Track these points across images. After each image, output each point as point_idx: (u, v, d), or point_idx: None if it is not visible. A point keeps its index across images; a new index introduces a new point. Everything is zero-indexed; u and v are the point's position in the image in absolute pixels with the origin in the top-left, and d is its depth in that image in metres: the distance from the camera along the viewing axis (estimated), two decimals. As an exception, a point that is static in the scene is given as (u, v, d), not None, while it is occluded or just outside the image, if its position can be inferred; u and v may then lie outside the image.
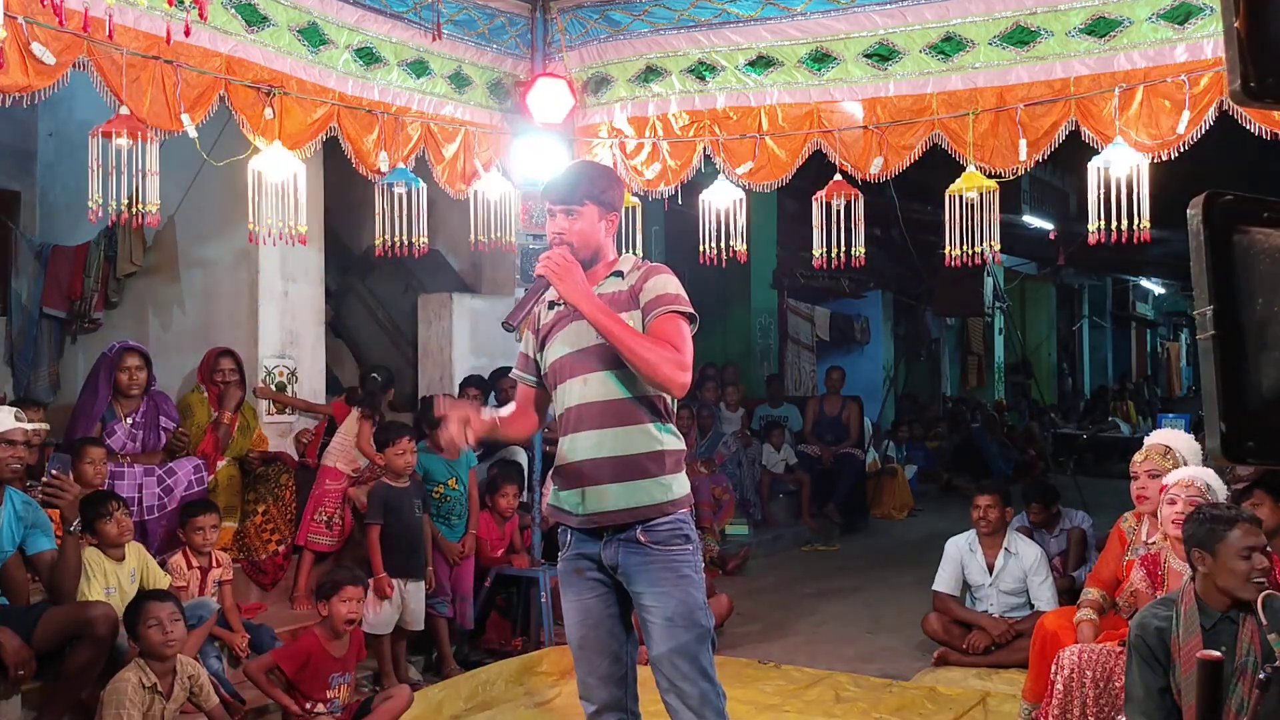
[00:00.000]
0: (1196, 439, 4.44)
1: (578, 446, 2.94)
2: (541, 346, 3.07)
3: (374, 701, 4.46)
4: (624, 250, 5.79)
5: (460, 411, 2.89)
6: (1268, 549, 3.24)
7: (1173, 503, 4.01)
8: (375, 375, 6.68)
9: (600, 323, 2.84)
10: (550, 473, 3.10)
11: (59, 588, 4.14)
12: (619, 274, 3.04)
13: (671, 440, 2.98)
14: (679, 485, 2.97)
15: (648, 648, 2.95)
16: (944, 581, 5.83)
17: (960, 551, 5.82)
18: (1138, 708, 3.28)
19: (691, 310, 2.96)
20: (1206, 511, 3.38)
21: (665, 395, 2.95)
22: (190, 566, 4.80)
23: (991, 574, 5.69)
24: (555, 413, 3.06)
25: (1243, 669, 3.10)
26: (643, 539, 2.90)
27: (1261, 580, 3.16)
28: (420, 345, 7.50)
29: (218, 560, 4.90)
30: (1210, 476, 4.05)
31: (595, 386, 2.93)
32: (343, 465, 5.78)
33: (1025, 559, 5.65)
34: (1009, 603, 5.66)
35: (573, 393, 2.96)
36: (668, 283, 2.97)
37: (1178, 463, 4.28)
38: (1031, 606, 5.57)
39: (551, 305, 3.08)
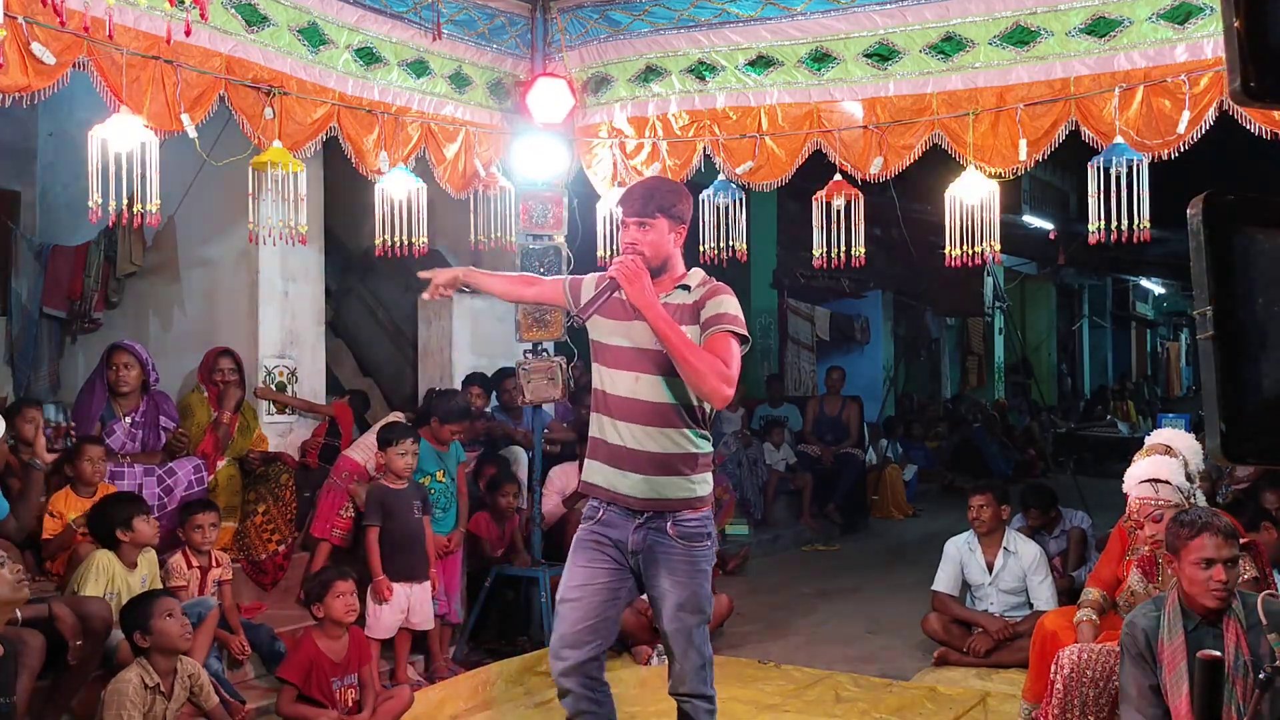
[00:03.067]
0: (1196, 439, 4.44)
1: (623, 434, 3.23)
2: (588, 308, 3.24)
3: (375, 701, 4.47)
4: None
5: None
6: (1236, 560, 3.23)
7: (1141, 526, 4.04)
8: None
9: (659, 329, 3.08)
10: (588, 447, 3.37)
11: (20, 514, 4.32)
12: (685, 288, 3.28)
13: (705, 445, 3.29)
14: (704, 486, 3.29)
15: (657, 620, 3.32)
16: (943, 581, 5.83)
17: (960, 551, 5.82)
18: (1132, 705, 3.33)
19: (745, 333, 3.20)
20: (1180, 517, 3.43)
21: (704, 406, 3.23)
22: (190, 566, 4.79)
23: (991, 573, 5.69)
24: (597, 386, 3.33)
25: (1233, 674, 3.11)
26: (671, 532, 3.22)
27: (1220, 593, 3.18)
28: (420, 345, 7.49)
29: (217, 560, 4.90)
30: (1158, 470, 4.05)
31: (646, 386, 3.21)
32: (358, 456, 5.77)
33: (1024, 558, 5.65)
34: (1009, 602, 5.66)
35: (624, 383, 3.24)
36: (728, 303, 3.22)
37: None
38: (1031, 606, 5.57)
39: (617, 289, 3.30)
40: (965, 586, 5.83)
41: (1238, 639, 3.16)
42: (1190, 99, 4.52)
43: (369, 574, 5.08)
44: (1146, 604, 3.48)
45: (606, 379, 3.28)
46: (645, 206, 3.24)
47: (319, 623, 4.47)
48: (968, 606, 5.80)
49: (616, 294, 3.17)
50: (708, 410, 3.25)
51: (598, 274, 3.44)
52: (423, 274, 3.64)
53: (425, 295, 3.61)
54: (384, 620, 5.04)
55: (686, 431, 3.21)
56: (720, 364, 3.07)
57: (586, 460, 3.36)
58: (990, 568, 5.70)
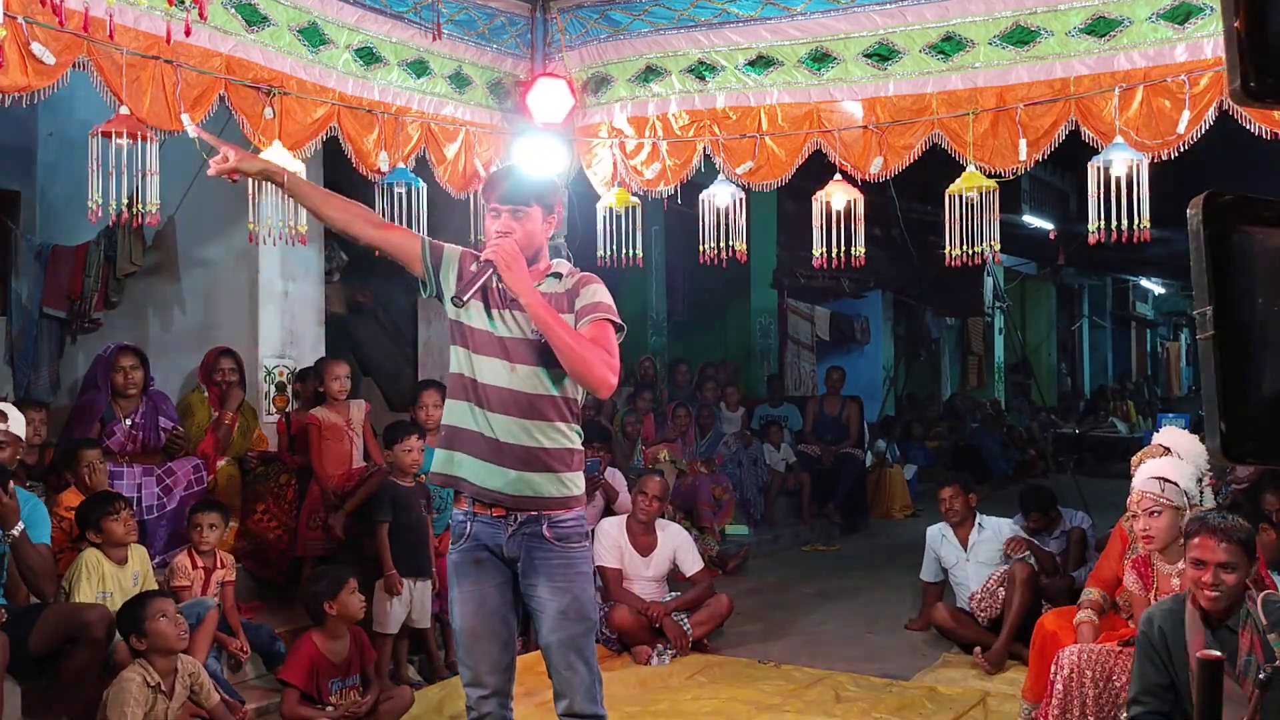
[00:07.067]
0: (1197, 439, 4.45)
1: (497, 427, 3.04)
2: (467, 290, 3.05)
3: (376, 701, 4.47)
4: (624, 249, 5.83)
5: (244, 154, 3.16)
6: (1234, 567, 3.21)
7: (1135, 517, 4.05)
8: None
9: (540, 316, 2.96)
10: (446, 435, 3.14)
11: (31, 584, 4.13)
12: (557, 276, 3.17)
13: (578, 440, 3.15)
14: (579, 483, 3.14)
15: (537, 634, 3.13)
16: (927, 571, 6.18)
17: (933, 539, 6.11)
18: (1134, 698, 3.34)
19: (621, 322, 3.12)
20: (1195, 515, 3.48)
21: (576, 399, 3.12)
22: (195, 567, 4.79)
23: (966, 549, 5.93)
24: (463, 373, 3.10)
25: (1244, 674, 3.11)
26: (547, 534, 3.06)
27: (1207, 595, 3.19)
28: (420, 345, 7.50)
29: (221, 561, 4.89)
30: (1168, 470, 4.07)
31: (524, 378, 3.05)
32: (331, 467, 5.76)
33: (1001, 529, 5.91)
34: (987, 575, 5.80)
35: (496, 373, 3.06)
36: (602, 292, 3.13)
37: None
38: None
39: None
40: (943, 571, 6.11)
41: (1251, 644, 3.15)
42: (1190, 99, 4.52)
43: (377, 570, 5.11)
44: (1166, 600, 3.47)
45: (476, 365, 3.08)
46: (519, 194, 3.11)
47: (322, 623, 4.47)
48: (952, 590, 6.02)
49: (492, 279, 3.03)
50: (578, 405, 3.15)
51: (464, 249, 3.24)
52: (217, 160, 3.09)
53: (210, 170, 3.10)
54: (395, 614, 5.08)
55: (562, 426, 3.07)
56: (605, 353, 3.00)
57: (443, 450, 3.13)
58: (965, 544, 5.95)
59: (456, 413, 3.10)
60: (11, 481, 3.97)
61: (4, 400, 5.49)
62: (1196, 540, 3.26)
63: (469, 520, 3.10)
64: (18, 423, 4.29)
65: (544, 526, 3.05)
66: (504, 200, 3.10)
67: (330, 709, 4.35)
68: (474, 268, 3.05)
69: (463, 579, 3.12)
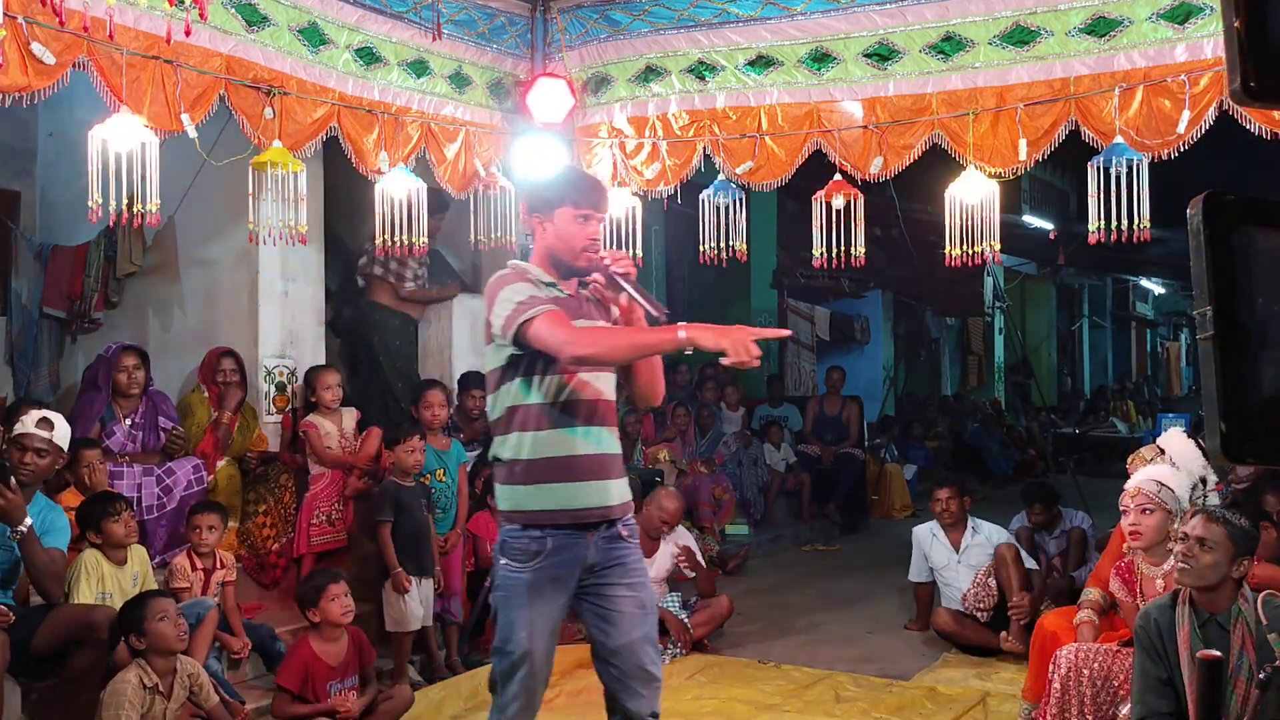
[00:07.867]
0: (1197, 439, 4.44)
1: (593, 440, 2.98)
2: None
3: (375, 701, 4.47)
4: (624, 249, 5.83)
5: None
6: (1208, 545, 3.24)
7: (1125, 512, 4.06)
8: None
9: (649, 327, 2.98)
10: (524, 470, 2.97)
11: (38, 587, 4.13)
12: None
13: None
14: None
15: (608, 637, 3.01)
16: (916, 572, 6.21)
17: (923, 539, 6.12)
18: (1139, 696, 3.35)
19: None
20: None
21: None
22: (195, 568, 4.78)
23: (958, 552, 5.93)
24: (548, 400, 2.95)
25: (1236, 673, 3.11)
26: (623, 533, 3.04)
27: (1181, 565, 3.28)
28: (420, 345, 7.49)
29: (222, 561, 4.89)
30: (1167, 475, 4.08)
31: (605, 384, 3.03)
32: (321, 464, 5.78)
33: (993, 535, 5.90)
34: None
35: (591, 385, 2.99)
36: None
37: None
38: None
39: (547, 285, 3.03)
40: (931, 571, 6.12)
41: (1244, 641, 3.15)
42: (1190, 99, 4.53)
43: (381, 570, 5.13)
44: (1163, 597, 3.49)
45: (568, 384, 2.94)
46: (607, 201, 3.17)
47: (315, 627, 4.46)
48: (939, 591, 6.06)
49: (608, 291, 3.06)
50: None
51: (524, 277, 3.01)
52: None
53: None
54: (414, 612, 5.12)
55: (617, 429, 3.10)
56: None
57: (536, 486, 2.94)
58: (957, 547, 5.96)
59: (545, 443, 2.93)
60: (12, 479, 3.96)
61: (2, 404, 5.49)
62: (1191, 519, 3.35)
63: (546, 536, 2.93)
64: (62, 433, 4.27)
65: (619, 525, 3.03)
66: (601, 208, 3.07)
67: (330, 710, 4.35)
68: (615, 282, 3.00)
69: (536, 599, 2.94)
